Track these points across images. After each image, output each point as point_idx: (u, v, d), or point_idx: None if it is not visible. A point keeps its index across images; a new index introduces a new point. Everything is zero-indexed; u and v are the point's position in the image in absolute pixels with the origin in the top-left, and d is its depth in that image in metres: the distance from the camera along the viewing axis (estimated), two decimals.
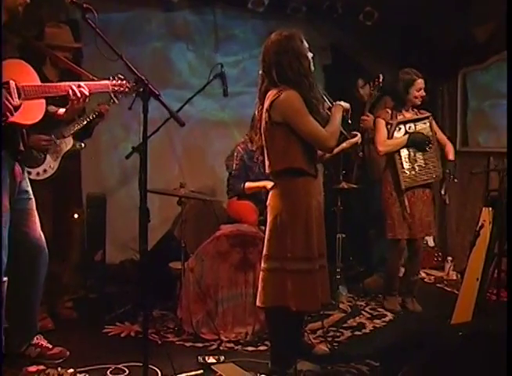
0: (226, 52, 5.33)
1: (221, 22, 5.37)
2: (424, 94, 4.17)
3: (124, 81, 2.93)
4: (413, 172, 4.13)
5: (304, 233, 2.91)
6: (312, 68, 2.94)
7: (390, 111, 4.22)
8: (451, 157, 4.25)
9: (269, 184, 3.48)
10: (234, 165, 4.23)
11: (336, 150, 3.18)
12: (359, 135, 3.37)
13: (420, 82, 4.13)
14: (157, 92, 2.41)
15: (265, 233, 3.05)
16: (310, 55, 2.93)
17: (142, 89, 2.42)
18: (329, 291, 3.12)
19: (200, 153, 5.35)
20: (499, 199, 3.52)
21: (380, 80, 4.41)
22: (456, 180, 4.19)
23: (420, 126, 4.17)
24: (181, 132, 4.90)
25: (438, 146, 4.23)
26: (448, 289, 4.86)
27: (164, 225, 4.86)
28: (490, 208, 3.56)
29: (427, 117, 4.21)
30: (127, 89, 2.92)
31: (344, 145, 3.35)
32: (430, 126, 4.19)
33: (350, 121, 3.10)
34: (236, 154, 4.25)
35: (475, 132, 5.64)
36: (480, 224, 3.60)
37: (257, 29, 5.41)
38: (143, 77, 2.43)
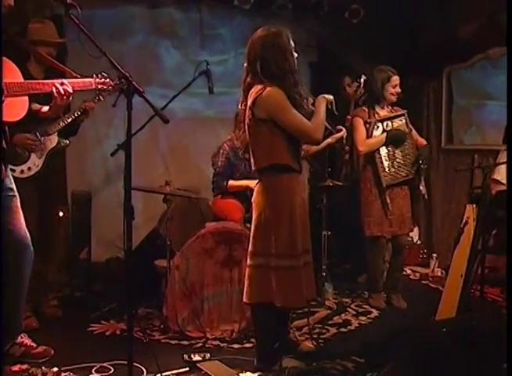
0: (212, 50, 5.31)
1: (206, 19, 5.36)
2: (400, 91, 4.18)
3: (108, 79, 2.92)
4: (393, 170, 4.16)
5: (288, 229, 2.92)
6: (296, 67, 2.95)
7: (366, 109, 4.24)
8: (421, 143, 4.28)
9: (253, 184, 3.54)
10: (219, 162, 4.22)
11: (322, 145, 3.20)
12: (344, 129, 3.39)
13: (396, 79, 4.14)
14: (141, 89, 2.39)
15: (250, 231, 3.06)
16: (295, 54, 2.95)
17: (126, 86, 2.41)
18: (315, 287, 3.14)
19: (185, 151, 5.33)
20: (482, 196, 3.55)
21: (362, 80, 4.43)
22: (425, 165, 4.20)
23: (396, 123, 4.19)
24: (166, 130, 4.88)
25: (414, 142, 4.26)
26: (433, 286, 4.90)
27: (149, 223, 4.83)
28: (474, 205, 3.59)
29: (403, 114, 4.24)
30: (110, 87, 2.92)
31: (329, 140, 3.38)
32: (406, 123, 4.23)
33: (336, 113, 3.11)
34: (221, 151, 4.25)
35: (460, 130, 5.68)
36: (464, 221, 3.62)
37: (243, 27, 5.39)
38: (127, 74, 2.41)
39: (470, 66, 5.40)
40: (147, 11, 5.12)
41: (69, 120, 3.60)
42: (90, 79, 2.95)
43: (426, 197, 4.38)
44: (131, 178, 2.44)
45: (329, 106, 3.04)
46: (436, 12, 5.21)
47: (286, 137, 2.90)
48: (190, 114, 5.27)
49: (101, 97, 3.30)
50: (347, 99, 4.77)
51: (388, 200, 4.13)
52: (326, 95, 3.05)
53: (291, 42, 2.93)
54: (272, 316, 3.02)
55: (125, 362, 2.49)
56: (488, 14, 5.02)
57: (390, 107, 4.29)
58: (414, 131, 4.33)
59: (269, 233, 2.92)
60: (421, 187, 4.33)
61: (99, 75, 2.91)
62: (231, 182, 4.21)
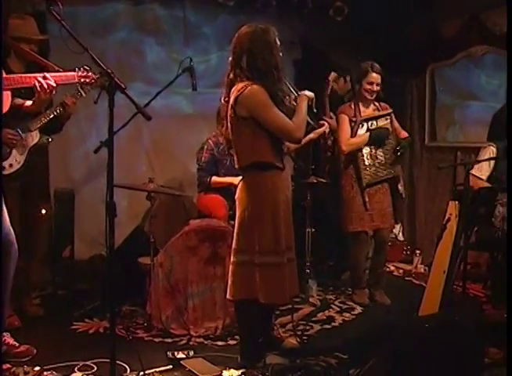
0: (196, 47, 5.29)
1: (190, 17, 5.33)
2: (376, 89, 4.17)
3: (90, 73, 2.90)
4: (374, 168, 4.18)
5: (271, 226, 2.93)
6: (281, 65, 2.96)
7: (352, 106, 4.24)
8: (403, 135, 4.31)
9: (236, 180, 3.56)
10: (203, 158, 4.23)
11: (304, 141, 3.21)
12: (326, 124, 3.39)
13: (373, 77, 4.13)
14: (123, 86, 2.37)
15: (234, 228, 3.06)
16: (280, 54, 2.95)
17: (107, 83, 2.39)
18: (298, 284, 3.15)
19: (169, 148, 5.31)
20: (464, 193, 3.58)
21: (330, 78, 4.45)
22: (401, 150, 4.22)
23: (381, 122, 4.21)
24: (150, 127, 4.85)
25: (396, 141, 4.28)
26: (417, 282, 4.93)
27: (133, 220, 4.82)
28: (456, 202, 3.62)
29: (389, 114, 4.25)
30: (93, 81, 2.90)
31: (311, 135, 3.39)
32: (391, 122, 4.24)
33: (315, 110, 3.11)
34: (205, 147, 4.25)
35: (443, 127, 5.73)
36: (446, 217, 3.65)
37: (226, 24, 5.38)
38: (109, 71, 2.39)
39: (453, 64, 5.44)
40: (131, 8, 5.08)
41: (51, 116, 3.56)
42: (72, 72, 2.94)
43: (403, 196, 4.41)
44: (113, 176, 2.42)
45: (310, 103, 3.04)
46: (420, 9, 5.24)
47: (268, 135, 2.90)
48: (174, 112, 5.24)
49: (83, 92, 3.28)
50: (335, 95, 4.79)
51: (367, 199, 4.17)
52: (307, 93, 3.05)
53: (277, 40, 2.94)
54: (255, 313, 3.03)
55: (108, 360, 2.48)
56: (471, 12, 5.06)
57: (377, 104, 4.30)
58: (397, 125, 4.35)
59: (253, 230, 2.93)
60: (400, 187, 4.37)
61: (82, 68, 2.89)
62: (214, 179, 4.21)
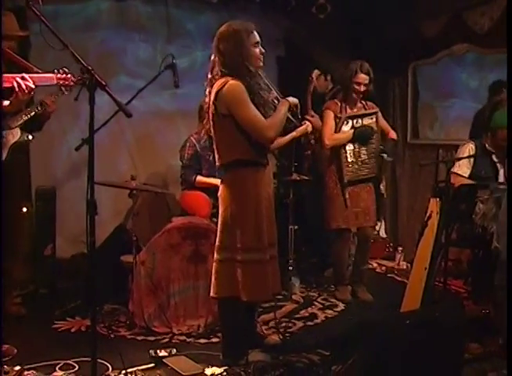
0: (178, 44, 5.26)
1: (173, 13, 5.31)
2: (363, 90, 4.17)
3: (69, 75, 2.88)
4: (356, 166, 4.20)
5: (253, 223, 2.94)
6: (260, 63, 2.96)
7: (339, 103, 4.26)
8: (391, 135, 4.33)
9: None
10: (186, 155, 4.22)
11: (286, 139, 3.24)
12: (309, 123, 3.40)
13: (361, 77, 4.13)
14: (104, 83, 2.36)
15: (217, 225, 3.07)
16: (258, 50, 2.95)
17: (88, 80, 2.37)
18: (280, 281, 3.16)
19: (152, 146, 5.28)
20: (445, 190, 3.61)
21: (313, 75, 4.46)
22: (388, 158, 4.26)
23: (366, 121, 4.22)
24: (133, 124, 4.84)
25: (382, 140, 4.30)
26: (399, 278, 4.96)
27: (115, 218, 4.79)
28: (437, 199, 3.65)
29: (375, 113, 4.27)
30: (72, 83, 2.87)
31: (293, 134, 3.39)
32: (376, 121, 4.26)
33: (300, 117, 3.14)
34: (188, 144, 4.25)
35: (425, 125, 5.77)
36: (428, 214, 3.68)
37: (210, 21, 5.36)
38: (90, 67, 2.37)
39: (435, 62, 5.47)
40: (114, 4, 5.04)
41: (32, 113, 3.52)
42: (51, 74, 2.91)
43: (385, 196, 4.43)
44: (94, 174, 2.41)
45: (294, 109, 3.07)
46: (402, 8, 5.27)
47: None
48: (156, 109, 5.21)
49: (64, 90, 3.25)
50: (316, 93, 4.80)
51: (347, 196, 4.18)
52: (290, 98, 3.07)
53: (253, 37, 2.93)
54: (238, 311, 3.04)
55: (90, 359, 2.46)
56: (452, 12, 5.10)
57: (363, 103, 4.31)
58: (385, 124, 4.36)
59: (235, 227, 2.94)
60: (381, 186, 4.39)
61: (60, 70, 2.87)
62: (199, 178, 4.21)
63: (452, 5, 5.06)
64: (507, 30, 3.60)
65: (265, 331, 3.53)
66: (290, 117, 3.07)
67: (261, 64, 2.97)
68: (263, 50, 2.97)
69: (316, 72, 4.96)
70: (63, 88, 3.13)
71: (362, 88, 4.17)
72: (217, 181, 3.89)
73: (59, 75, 2.89)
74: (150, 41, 5.21)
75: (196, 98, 4.53)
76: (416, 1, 5.26)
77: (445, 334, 2.77)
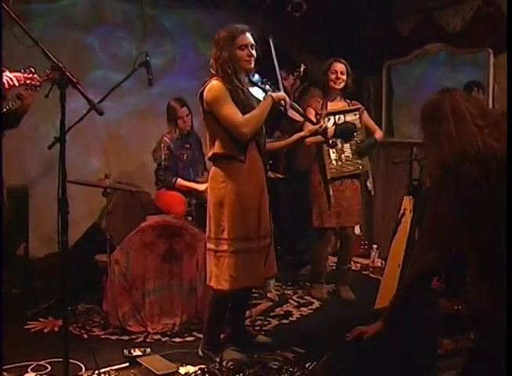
0: (153, 42, 5.22)
1: (149, 10, 5.27)
2: (341, 77, 4.17)
3: (36, 75, 2.85)
4: (340, 163, 4.20)
5: (233, 215, 3.04)
6: (248, 65, 3.05)
7: (320, 100, 4.26)
8: (377, 135, 4.34)
9: (201, 187, 3.92)
10: (162, 156, 4.20)
11: (293, 139, 3.42)
12: (324, 124, 3.44)
13: (336, 65, 4.15)
14: (75, 80, 2.34)
15: (191, 224, 3.10)
16: (245, 52, 3.02)
17: (59, 77, 2.34)
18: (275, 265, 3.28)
19: (127, 144, 5.24)
20: (418, 188, 3.65)
21: (301, 69, 4.45)
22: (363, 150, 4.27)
23: (349, 117, 4.23)
24: (107, 122, 4.80)
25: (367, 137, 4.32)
26: (374, 276, 5.00)
27: (90, 217, 4.74)
28: (411, 197, 3.68)
29: (358, 109, 4.28)
30: (38, 83, 2.85)
31: (301, 133, 3.46)
32: (360, 118, 4.27)
33: (286, 111, 3.17)
34: (162, 145, 4.23)
35: (400, 123, 5.81)
36: (401, 212, 3.72)
37: (186, 18, 5.35)
38: (60, 65, 2.35)
39: (409, 61, 5.52)
40: (88, 1, 4.99)
41: (4, 110, 3.46)
42: (18, 74, 2.87)
43: (373, 193, 4.44)
44: (65, 172, 2.39)
45: (283, 103, 3.12)
46: (376, 6, 5.31)
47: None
48: (131, 107, 5.17)
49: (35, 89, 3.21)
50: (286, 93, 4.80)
51: (331, 193, 4.18)
52: (275, 94, 3.12)
53: (241, 40, 3.02)
54: (226, 303, 3.21)
55: (61, 359, 2.44)
56: (426, 11, 5.15)
57: (348, 101, 4.32)
58: (371, 123, 4.38)
59: (216, 218, 3.08)
60: (368, 183, 4.40)
61: (27, 70, 2.83)
62: (180, 181, 4.20)
63: (425, 5, 5.12)
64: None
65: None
66: (298, 117, 3.14)
67: (250, 66, 3.07)
68: (252, 52, 3.05)
69: (282, 73, 4.95)
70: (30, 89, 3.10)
71: (340, 75, 4.15)
72: (197, 185, 4.07)
73: (25, 74, 2.86)
74: (126, 38, 5.16)
75: (172, 95, 4.54)
76: (390, 0, 5.30)
77: (418, 331, 2.80)
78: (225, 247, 3.04)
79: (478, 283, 2.16)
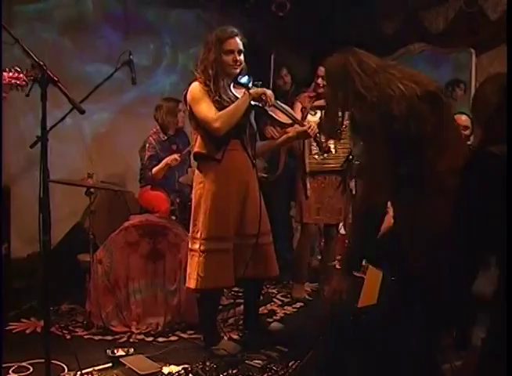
0: (137, 40, 5.19)
1: (132, 8, 5.24)
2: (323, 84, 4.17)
3: (21, 74, 2.82)
4: (321, 158, 4.18)
5: (206, 215, 3.09)
6: (233, 70, 3.09)
7: (311, 96, 4.25)
8: None
9: (170, 159, 4.00)
10: (146, 156, 4.18)
11: (278, 141, 3.47)
12: (312, 125, 3.43)
13: (320, 71, 4.11)
14: (56, 78, 2.32)
15: (174, 223, 3.11)
16: (231, 57, 3.06)
17: (40, 76, 2.33)
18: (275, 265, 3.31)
19: (111, 143, 5.21)
20: None
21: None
22: (356, 161, 4.22)
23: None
24: (91, 121, 4.77)
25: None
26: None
27: (73, 216, 4.71)
28: None
29: None
30: (24, 82, 2.82)
31: (289, 135, 3.44)
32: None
33: (264, 107, 3.14)
34: (147, 145, 4.21)
35: None
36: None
37: (168, 17, 5.33)
38: (41, 63, 2.33)
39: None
40: None
41: None
42: (4, 73, 2.85)
43: (354, 192, 4.42)
44: (47, 171, 2.38)
45: (264, 98, 3.08)
46: (361, 7, 5.33)
47: (203, 128, 3.08)
48: (114, 105, 5.14)
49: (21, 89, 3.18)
50: (283, 90, 4.80)
51: (308, 186, 4.17)
52: (252, 90, 3.09)
53: (227, 45, 3.06)
54: (213, 301, 3.28)
55: (43, 360, 2.42)
56: (409, 11, 5.19)
57: None
58: None
59: (196, 218, 3.15)
60: (351, 182, 4.38)
61: (12, 69, 2.81)
62: (154, 169, 4.15)
63: (409, 5, 5.15)
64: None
65: (223, 329, 3.51)
66: (287, 118, 3.20)
67: (234, 71, 3.10)
68: (238, 58, 3.08)
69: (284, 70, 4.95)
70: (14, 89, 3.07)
71: (321, 83, 4.13)
72: (166, 158, 4.05)
73: (10, 74, 2.83)
74: (106, 37, 5.13)
75: (155, 94, 4.53)
76: (375, 0, 5.33)
77: (401, 328, 2.82)
78: (197, 246, 3.09)
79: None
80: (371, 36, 5.48)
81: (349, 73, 2.27)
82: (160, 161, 4.15)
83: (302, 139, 3.87)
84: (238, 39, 3.08)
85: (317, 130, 3.63)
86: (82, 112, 2.35)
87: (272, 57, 3.58)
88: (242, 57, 3.10)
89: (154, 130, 4.27)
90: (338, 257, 5.43)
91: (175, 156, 4.02)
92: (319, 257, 4.90)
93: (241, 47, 3.09)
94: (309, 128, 3.40)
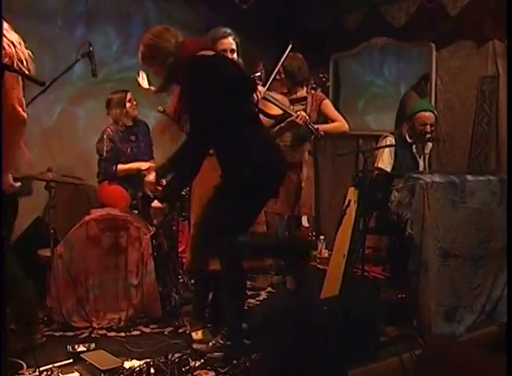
0: (98, 31, 5.11)
1: (93, 1, 5.15)
2: None
3: None
4: None
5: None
6: None
7: (285, 91, 4.29)
8: (321, 127, 4.22)
9: (144, 166, 3.95)
10: (104, 148, 4.13)
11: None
12: (301, 114, 3.49)
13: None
14: (8, 64, 2.28)
15: (136, 217, 3.11)
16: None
17: None
18: None
19: (72, 137, 5.12)
20: (363, 179, 3.70)
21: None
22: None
23: (297, 107, 4.24)
24: (50, 113, 4.68)
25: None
26: (321, 267, 5.05)
27: (33, 211, 4.62)
28: (355, 188, 3.74)
29: (304, 99, 4.29)
30: None
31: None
32: (305, 108, 4.28)
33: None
34: (105, 136, 4.16)
35: (347, 116, 5.87)
36: (346, 203, 3.77)
37: (132, 10, 5.26)
38: None
39: (356, 54, 5.61)
40: None
41: None
42: None
43: (302, 184, 4.43)
44: (2, 165, 2.33)
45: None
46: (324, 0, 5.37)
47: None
48: (75, 98, 5.06)
49: None
50: None
51: None
52: None
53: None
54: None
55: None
56: (372, 5, 5.23)
57: (313, 92, 4.37)
58: (333, 114, 4.37)
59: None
60: (301, 175, 4.40)
61: None
62: (120, 166, 4.14)
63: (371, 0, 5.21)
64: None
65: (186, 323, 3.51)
66: (281, 109, 3.42)
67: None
68: (231, 56, 3.19)
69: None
70: None
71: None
72: (139, 164, 4.09)
73: None
74: (68, 27, 5.03)
75: (117, 86, 4.48)
76: None
77: (361, 319, 2.87)
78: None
79: None
80: (333, 29, 5.53)
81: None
82: (119, 153, 4.12)
83: (295, 128, 3.98)
84: (231, 39, 3.23)
85: (307, 117, 3.68)
86: (42, 84, 2.29)
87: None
88: (235, 56, 3.22)
89: (111, 121, 4.23)
90: None
91: (152, 166, 3.95)
92: None
93: (234, 47, 3.22)
94: (297, 117, 3.43)
